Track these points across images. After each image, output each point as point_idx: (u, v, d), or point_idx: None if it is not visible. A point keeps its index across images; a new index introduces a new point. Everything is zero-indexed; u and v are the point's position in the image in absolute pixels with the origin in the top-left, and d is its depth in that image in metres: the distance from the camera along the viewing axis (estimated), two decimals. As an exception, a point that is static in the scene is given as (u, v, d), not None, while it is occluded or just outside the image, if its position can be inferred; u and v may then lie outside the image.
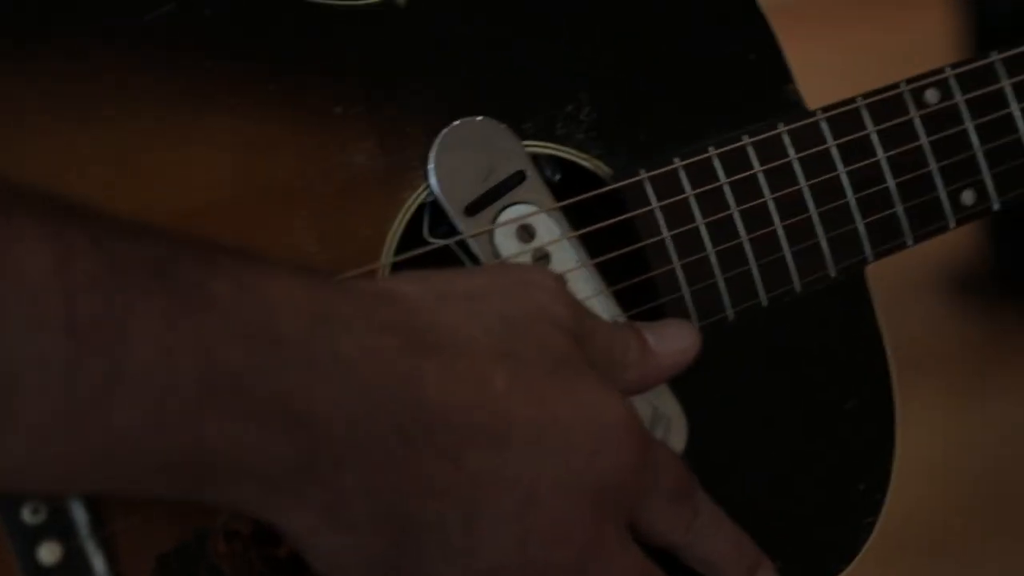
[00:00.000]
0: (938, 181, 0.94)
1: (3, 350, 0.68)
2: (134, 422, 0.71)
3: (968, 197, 0.95)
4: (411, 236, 0.87)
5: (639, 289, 0.89)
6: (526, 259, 0.87)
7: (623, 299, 0.88)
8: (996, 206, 0.96)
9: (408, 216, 0.86)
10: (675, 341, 0.85)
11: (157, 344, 0.71)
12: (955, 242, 3.40)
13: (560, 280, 0.82)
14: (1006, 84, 0.96)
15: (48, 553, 0.76)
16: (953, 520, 2.79)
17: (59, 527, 0.76)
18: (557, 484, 0.77)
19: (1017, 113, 0.96)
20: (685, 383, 0.88)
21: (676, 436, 0.88)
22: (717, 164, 0.90)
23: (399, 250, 0.86)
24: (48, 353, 0.69)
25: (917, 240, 0.94)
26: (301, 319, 0.74)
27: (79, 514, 0.76)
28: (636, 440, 0.80)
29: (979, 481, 2.88)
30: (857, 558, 0.90)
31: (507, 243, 0.87)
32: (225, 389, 0.72)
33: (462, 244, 0.87)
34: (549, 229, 0.87)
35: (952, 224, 0.95)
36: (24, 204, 0.70)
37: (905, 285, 3.34)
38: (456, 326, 0.78)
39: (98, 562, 0.77)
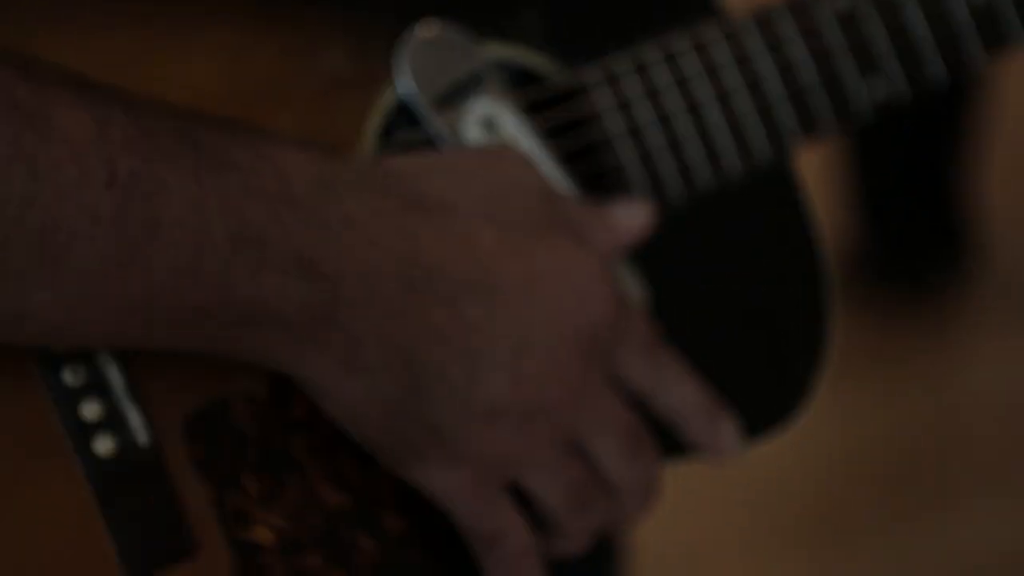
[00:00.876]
0: (855, 74, 1.03)
1: (56, 204, 0.74)
2: (173, 268, 0.78)
3: (883, 88, 1.04)
4: (386, 133, 0.94)
5: (595, 175, 0.97)
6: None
7: (580, 185, 0.96)
8: (909, 96, 1.05)
9: (382, 114, 0.93)
10: (633, 215, 0.93)
11: (190, 198, 0.78)
12: (828, 234, 3.43)
13: (529, 157, 0.90)
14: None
15: (89, 411, 0.82)
16: (849, 504, 2.87)
17: (97, 387, 0.82)
18: (546, 331, 0.85)
19: (918, 11, 1.05)
20: (643, 259, 0.96)
21: (638, 303, 0.96)
22: (658, 63, 0.98)
23: (375, 146, 0.94)
24: (95, 205, 0.75)
25: (841, 128, 1.03)
26: (311, 183, 0.81)
27: (114, 375, 0.83)
28: (611, 293, 0.88)
29: (874, 464, 2.94)
30: (800, 411, 0.99)
31: (472, 135, 0.94)
32: (251, 242, 0.79)
33: (431, 138, 0.95)
34: (511, 122, 0.95)
35: (870, 113, 1.03)
36: (59, 79, 0.77)
37: None
38: (442, 193, 0.86)
39: (134, 418, 0.83)
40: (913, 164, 3.37)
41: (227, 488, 0.86)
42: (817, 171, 3.43)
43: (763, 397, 0.98)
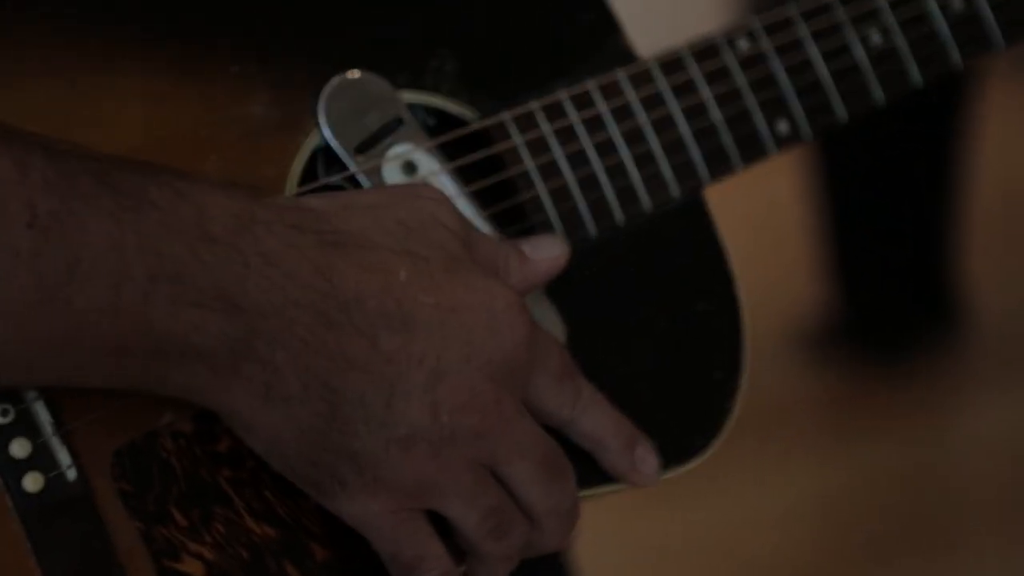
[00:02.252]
0: (756, 114, 1.06)
1: None
2: (92, 306, 0.78)
3: (783, 127, 1.07)
4: (309, 176, 0.96)
5: (510, 214, 0.98)
6: None
7: (497, 223, 0.97)
8: (809, 135, 1.07)
9: (305, 158, 0.94)
10: (547, 251, 0.95)
11: (108, 237, 0.79)
12: (805, 299, 3.47)
13: (445, 194, 0.92)
14: (804, 31, 1.08)
15: (19, 448, 0.83)
16: (825, 561, 2.89)
17: (26, 425, 0.83)
18: (460, 360, 0.86)
19: (816, 55, 1.08)
20: (560, 294, 0.97)
21: (555, 335, 0.97)
22: (568, 105, 1.00)
23: (299, 188, 0.95)
24: (15, 244, 0.76)
25: (746, 165, 1.05)
26: (229, 221, 0.83)
27: (42, 413, 0.84)
28: (526, 323, 0.89)
29: (848, 525, 2.93)
30: (719, 438, 1.00)
31: (393, 177, 0.96)
32: (170, 279, 0.80)
33: (353, 180, 0.96)
34: (429, 164, 0.97)
35: (773, 151, 1.06)
36: None
37: (761, 345, 3.39)
38: (360, 229, 0.87)
39: (63, 456, 0.84)
40: (895, 229, 3.40)
41: (156, 521, 0.86)
42: (795, 239, 3.50)
43: (681, 426, 1.00)
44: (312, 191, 0.94)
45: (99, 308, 0.79)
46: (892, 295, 3.37)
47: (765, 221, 3.50)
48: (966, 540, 2.86)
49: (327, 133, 0.95)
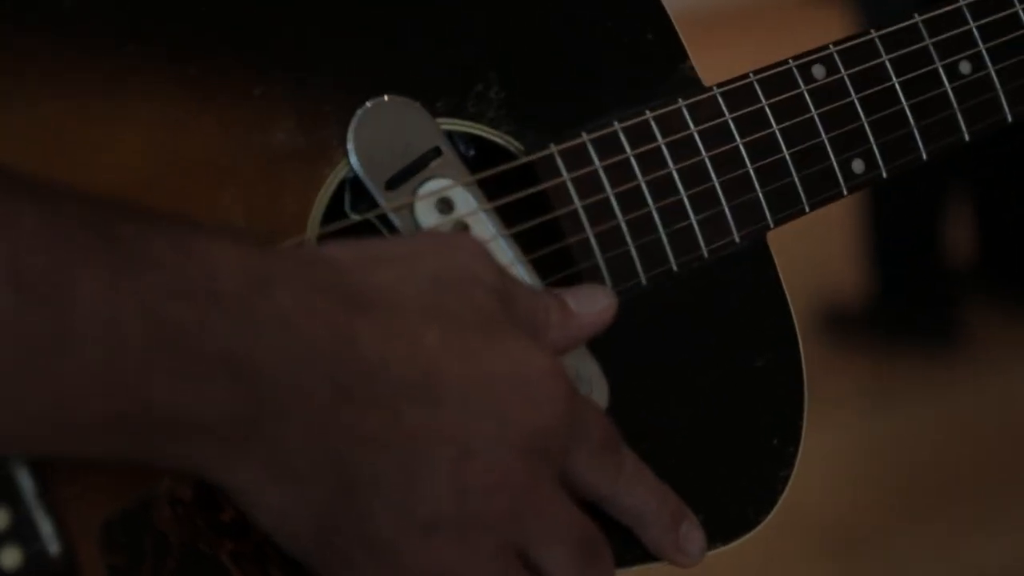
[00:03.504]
0: (829, 151, 0.95)
1: None
2: (83, 378, 0.68)
3: (858, 166, 0.96)
4: (334, 211, 0.85)
5: (555, 258, 0.87)
6: (446, 230, 0.86)
7: (540, 268, 0.86)
8: (884, 174, 0.96)
9: (331, 192, 0.84)
10: (593, 303, 0.84)
11: (103, 300, 0.68)
12: (834, 285, 3.45)
13: (483, 244, 0.81)
14: (885, 59, 0.97)
15: None
16: (867, 519, 2.84)
17: (6, 494, 0.73)
18: (491, 437, 0.75)
19: (897, 86, 0.97)
20: (604, 346, 0.86)
21: (598, 397, 0.86)
22: (622, 137, 0.89)
23: (323, 224, 0.85)
24: None
25: (813, 207, 0.94)
26: (240, 279, 0.72)
27: (25, 481, 0.73)
28: (564, 392, 0.78)
29: (885, 486, 2.94)
30: (774, 511, 0.90)
31: (427, 215, 0.85)
32: (170, 345, 0.70)
33: (383, 218, 0.85)
34: (466, 201, 0.86)
35: (845, 191, 0.95)
36: None
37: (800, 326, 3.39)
38: (387, 286, 0.76)
39: (46, 527, 0.74)
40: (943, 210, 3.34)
41: None
42: (840, 222, 3.43)
43: (731, 498, 0.89)
44: (337, 231, 0.84)
45: (90, 379, 0.68)
46: (935, 273, 3.33)
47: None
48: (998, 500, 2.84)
49: (356, 164, 0.84)
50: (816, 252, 3.43)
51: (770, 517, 0.89)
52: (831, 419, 3.08)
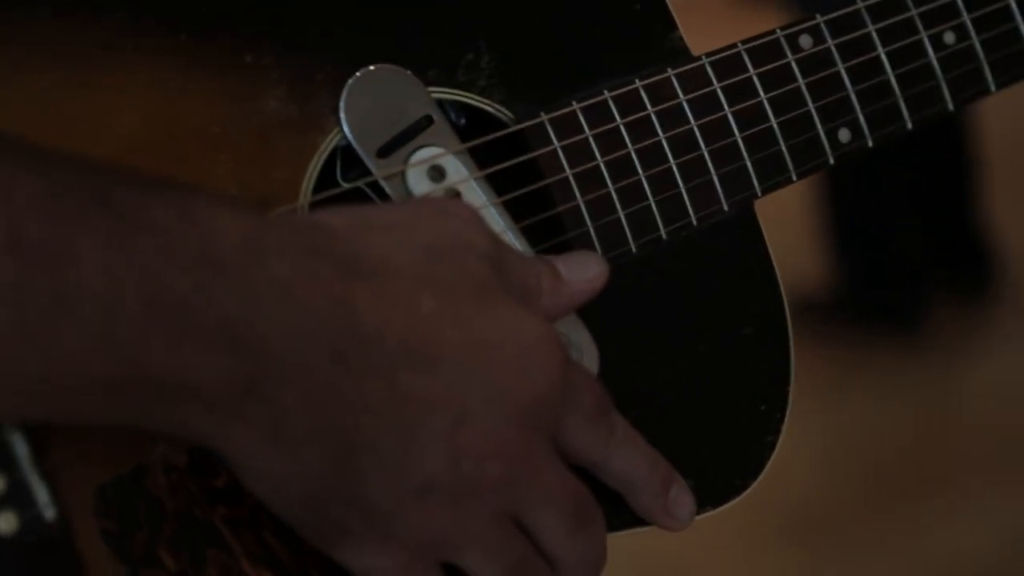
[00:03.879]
0: (816, 120, 0.95)
1: None
2: (83, 342, 0.68)
3: (844, 135, 0.96)
4: (326, 179, 0.84)
5: (546, 225, 0.87)
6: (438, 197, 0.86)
7: (531, 235, 0.86)
8: (870, 143, 0.96)
9: (323, 160, 0.83)
10: (584, 270, 0.84)
11: (103, 265, 0.68)
12: (799, 274, 3.45)
13: (476, 211, 0.81)
14: (872, 29, 0.97)
15: None
16: (832, 508, 2.85)
17: (2, 460, 0.72)
18: (486, 402, 0.75)
19: (883, 56, 0.97)
20: (595, 314, 0.86)
21: (588, 363, 0.86)
22: (612, 106, 0.89)
23: (315, 192, 0.84)
24: None
25: (800, 175, 0.94)
26: (238, 246, 0.71)
27: (20, 447, 0.73)
28: (558, 360, 0.78)
29: (849, 476, 2.95)
30: (763, 473, 0.90)
31: (419, 183, 0.85)
32: (170, 310, 0.69)
33: (375, 186, 0.85)
34: (458, 169, 0.86)
35: (831, 160, 0.95)
36: None
37: None
38: (382, 254, 0.76)
39: (41, 493, 0.73)
40: (907, 194, 3.34)
41: (142, 564, 0.75)
42: (799, 203, 3.43)
43: (720, 463, 0.89)
44: (329, 199, 0.83)
45: (90, 344, 0.68)
46: (901, 263, 3.33)
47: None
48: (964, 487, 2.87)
49: (348, 132, 0.83)
50: (781, 241, 3.44)
51: (756, 484, 0.90)
52: (796, 407, 3.08)
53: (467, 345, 0.75)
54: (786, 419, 0.90)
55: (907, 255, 3.31)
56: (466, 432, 0.75)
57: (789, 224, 3.39)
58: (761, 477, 0.89)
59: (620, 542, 0.85)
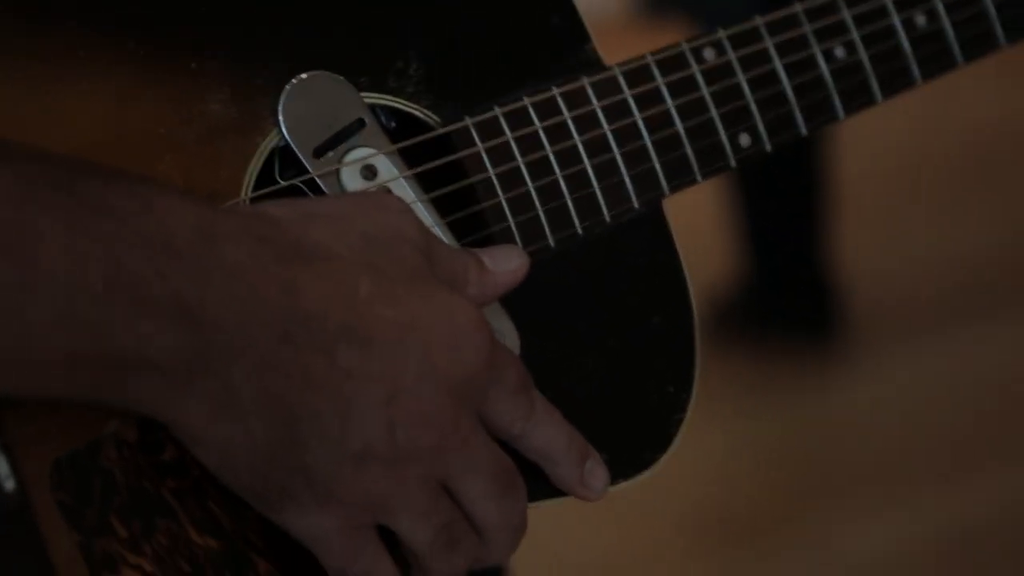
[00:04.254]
0: (719, 126, 1.01)
1: None
2: (46, 317, 0.73)
3: (745, 140, 1.02)
4: (266, 177, 0.90)
5: (470, 221, 0.93)
6: None
7: (456, 230, 0.92)
8: (768, 147, 1.03)
9: (263, 159, 0.89)
10: (507, 262, 0.90)
11: (66, 247, 0.73)
12: (710, 277, 3.50)
13: (408, 205, 0.87)
14: (769, 44, 1.04)
15: None
16: (744, 511, 2.92)
17: None
18: (419, 377, 0.82)
19: (780, 68, 1.04)
20: (517, 303, 0.92)
21: (510, 347, 0.93)
22: (532, 111, 0.95)
23: (256, 190, 0.90)
24: None
25: (705, 176, 1.01)
26: (192, 232, 0.77)
27: None
28: (487, 341, 0.84)
29: (767, 480, 3.01)
30: (668, 452, 0.96)
31: (352, 181, 0.91)
32: (129, 289, 0.75)
33: (311, 184, 0.91)
34: (389, 169, 0.92)
35: (733, 163, 1.02)
36: None
37: None
38: (323, 241, 0.82)
39: (2, 466, 0.78)
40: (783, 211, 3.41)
41: (95, 533, 0.81)
42: (708, 215, 3.50)
43: (631, 439, 0.96)
44: (269, 195, 0.89)
45: (52, 319, 0.73)
46: (789, 276, 3.40)
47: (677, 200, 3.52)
48: (852, 497, 2.93)
49: (286, 133, 0.89)
50: (693, 244, 3.48)
51: (666, 457, 0.96)
52: (707, 411, 3.13)
53: (402, 325, 0.81)
54: (692, 399, 0.97)
55: (816, 258, 3.36)
56: (400, 404, 0.81)
57: (702, 226, 3.45)
58: (670, 451, 0.96)
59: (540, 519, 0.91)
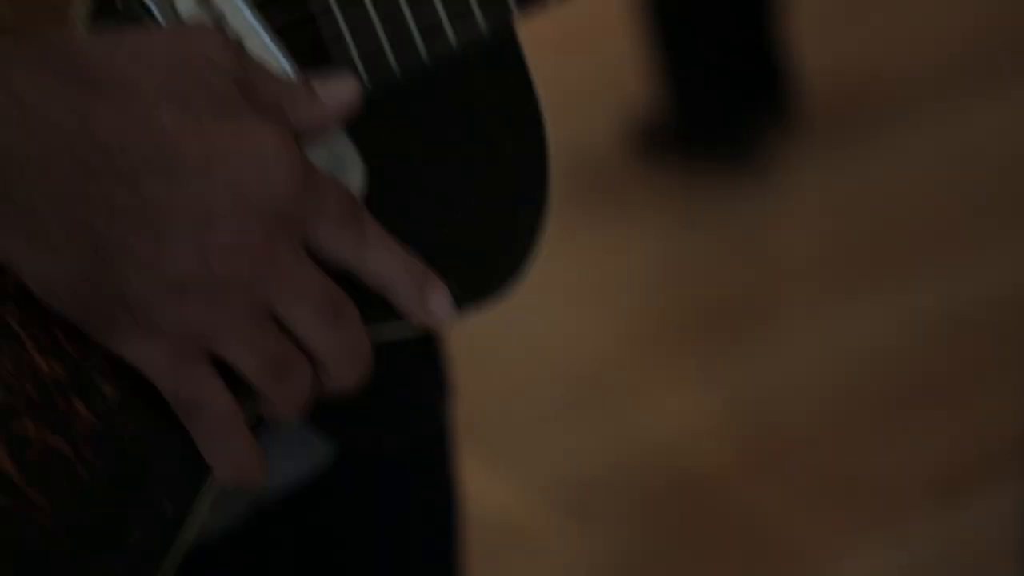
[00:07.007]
0: None
1: None
2: None
3: None
4: (100, 2, 0.88)
5: (311, 51, 0.89)
6: (204, 20, 0.89)
7: (299, 61, 0.89)
8: None
9: None
10: (338, 90, 0.87)
11: None
12: (635, 97, 3.36)
13: (221, 34, 0.84)
14: None
15: None
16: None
17: None
18: (228, 206, 0.80)
19: None
20: (361, 132, 0.90)
21: (352, 176, 0.90)
22: None
23: (93, 16, 0.87)
24: None
25: None
26: None
27: None
28: (297, 166, 0.82)
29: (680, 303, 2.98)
30: (519, 278, 0.95)
31: (185, 4, 0.89)
32: None
33: (146, 9, 0.88)
34: None
35: None
36: None
37: (596, 141, 3.31)
38: (125, 71, 0.79)
39: None
40: (727, 16, 3.28)
41: None
42: (621, 41, 3.37)
43: (482, 266, 0.93)
44: (104, 21, 0.86)
45: None
46: (719, 91, 3.23)
47: (590, 20, 3.39)
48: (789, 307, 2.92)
49: None
50: (614, 66, 3.33)
51: (517, 284, 0.94)
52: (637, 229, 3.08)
53: (207, 155, 0.79)
54: (543, 227, 0.95)
55: (727, 78, 3.21)
56: (212, 234, 0.79)
57: (621, 48, 3.31)
58: (519, 277, 0.94)
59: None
